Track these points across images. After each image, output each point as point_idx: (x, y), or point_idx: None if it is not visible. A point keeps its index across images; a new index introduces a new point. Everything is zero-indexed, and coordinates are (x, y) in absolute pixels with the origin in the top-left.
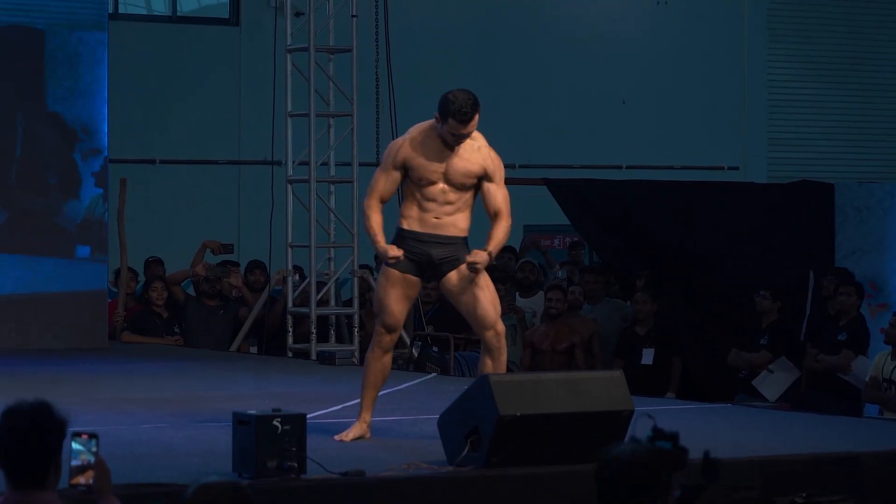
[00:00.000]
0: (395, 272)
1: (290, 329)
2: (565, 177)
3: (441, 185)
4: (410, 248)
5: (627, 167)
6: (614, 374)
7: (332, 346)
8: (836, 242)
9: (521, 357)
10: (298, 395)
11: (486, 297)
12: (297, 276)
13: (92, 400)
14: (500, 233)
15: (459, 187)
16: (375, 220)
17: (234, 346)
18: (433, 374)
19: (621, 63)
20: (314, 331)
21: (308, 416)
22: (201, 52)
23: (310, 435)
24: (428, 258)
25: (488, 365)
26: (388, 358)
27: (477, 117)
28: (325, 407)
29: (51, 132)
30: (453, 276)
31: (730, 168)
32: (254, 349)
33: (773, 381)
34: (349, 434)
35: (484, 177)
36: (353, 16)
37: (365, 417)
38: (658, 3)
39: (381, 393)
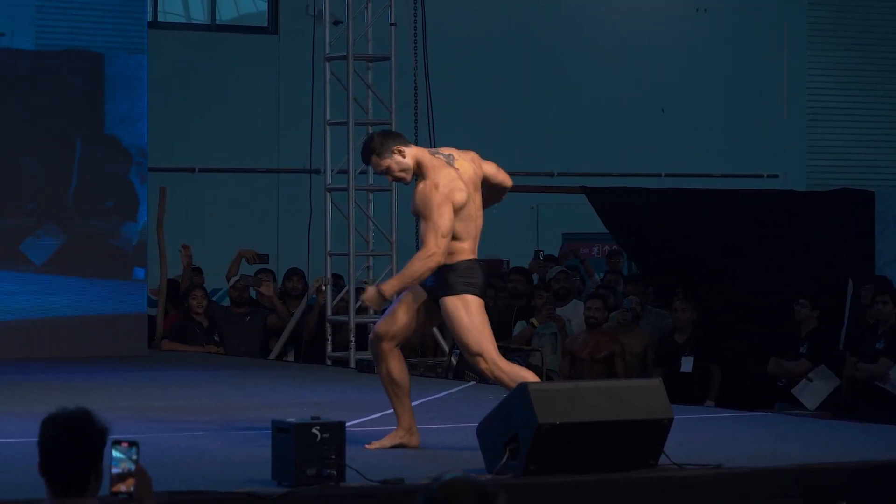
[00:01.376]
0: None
1: (329, 337)
2: (604, 185)
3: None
4: None
5: (666, 175)
6: (653, 383)
7: (370, 354)
8: (877, 250)
9: (560, 365)
10: (337, 404)
11: (457, 328)
12: (325, 287)
13: (131, 408)
14: (407, 267)
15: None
16: None
17: (272, 355)
18: (472, 383)
19: (660, 71)
20: (353, 339)
21: (347, 424)
22: (240, 60)
23: (349, 443)
24: None
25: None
26: (389, 364)
27: (374, 158)
28: (364, 415)
29: (108, 155)
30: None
31: (769, 176)
32: (290, 357)
33: (813, 390)
34: (378, 443)
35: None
36: (391, 24)
37: (401, 425)
38: (697, 10)
39: (421, 401)
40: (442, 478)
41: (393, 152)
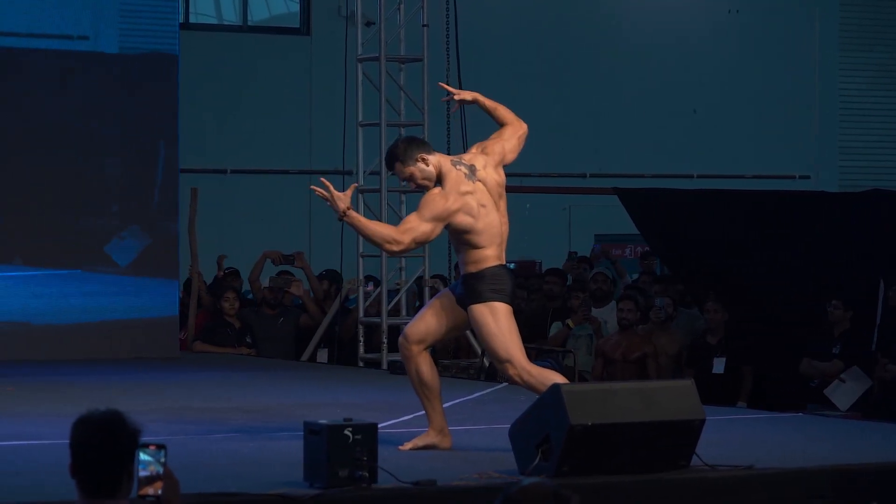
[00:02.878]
0: (448, 291)
1: (362, 339)
2: (636, 186)
3: None
4: None
5: (698, 176)
6: (685, 384)
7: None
8: None
9: (593, 366)
10: (369, 405)
11: (485, 336)
12: (370, 286)
13: (161, 409)
14: (372, 225)
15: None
16: None
17: (304, 356)
18: (504, 384)
19: (693, 72)
20: (385, 340)
21: (379, 425)
22: (272, 61)
23: (381, 444)
24: None
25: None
26: (418, 367)
27: (397, 165)
28: (396, 417)
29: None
30: None
31: (801, 177)
32: (322, 358)
33: (845, 391)
34: (410, 444)
35: None
36: (424, 25)
37: (433, 426)
38: (729, 11)
39: (453, 402)
40: (520, 482)
41: (417, 160)
